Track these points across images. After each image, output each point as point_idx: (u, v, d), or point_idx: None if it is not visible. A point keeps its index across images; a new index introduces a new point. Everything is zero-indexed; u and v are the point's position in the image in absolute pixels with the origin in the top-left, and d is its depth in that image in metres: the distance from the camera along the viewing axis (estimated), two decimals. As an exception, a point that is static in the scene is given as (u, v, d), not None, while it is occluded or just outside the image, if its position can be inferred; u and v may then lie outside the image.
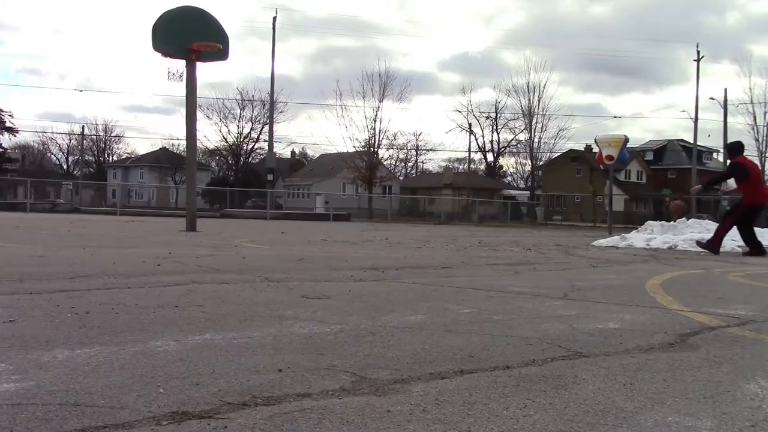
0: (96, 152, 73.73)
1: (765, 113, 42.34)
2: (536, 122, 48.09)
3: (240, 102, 54.98)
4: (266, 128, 45.31)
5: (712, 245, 9.51)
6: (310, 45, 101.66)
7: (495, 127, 63.26)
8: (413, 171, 75.06)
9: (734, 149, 9.99)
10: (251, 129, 55.73)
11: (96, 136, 72.01)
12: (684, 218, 13.56)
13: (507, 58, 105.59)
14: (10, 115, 45.77)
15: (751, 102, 42.71)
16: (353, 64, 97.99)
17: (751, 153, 43.43)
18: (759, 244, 9.45)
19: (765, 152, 42.95)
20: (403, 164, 71.89)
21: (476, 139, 64.29)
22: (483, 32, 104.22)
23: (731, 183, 10.60)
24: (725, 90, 40.35)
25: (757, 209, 9.88)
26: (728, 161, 10.17)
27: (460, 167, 64.30)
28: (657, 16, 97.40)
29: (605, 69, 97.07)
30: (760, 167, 10.75)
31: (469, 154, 56.98)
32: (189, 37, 12.18)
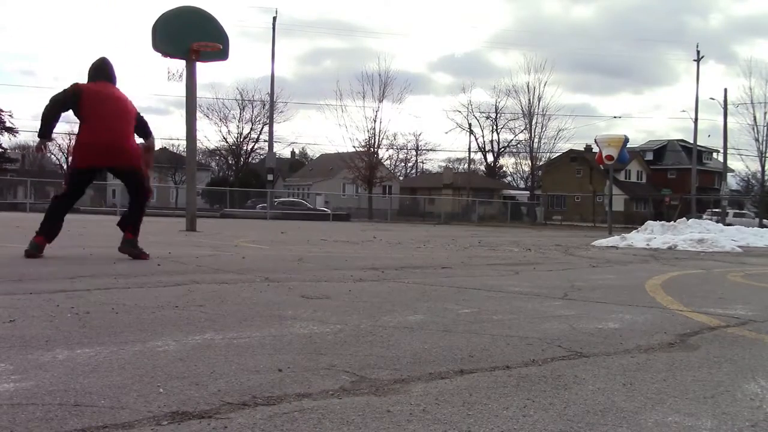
0: (96, 152, 73.58)
1: (765, 113, 42.32)
2: (536, 122, 48.05)
3: (240, 102, 54.91)
4: (266, 128, 45.30)
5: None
6: (298, 46, 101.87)
7: (495, 128, 63.25)
8: (413, 171, 75.01)
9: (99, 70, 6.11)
10: (251, 129, 55.67)
11: (96, 136, 71.84)
12: (684, 218, 13.60)
13: (496, 59, 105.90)
14: (10, 115, 45.56)
15: (751, 102, 42.73)
16: (342, 65, 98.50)
17: (751, 153, 43.36)
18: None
19: (765, 152, 42.92)
20: (403, 164, 71.84)
21: (476, 139, 64.25)
22: (472, 34, 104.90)
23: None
24: (725, 90, 40.40)
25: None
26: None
27: (460, 167, 64.19)
28: (643, 18, 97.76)
29: (594, 70, 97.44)
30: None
31: (469, 154, 56.97)
32: (189, 37, 12.16)
